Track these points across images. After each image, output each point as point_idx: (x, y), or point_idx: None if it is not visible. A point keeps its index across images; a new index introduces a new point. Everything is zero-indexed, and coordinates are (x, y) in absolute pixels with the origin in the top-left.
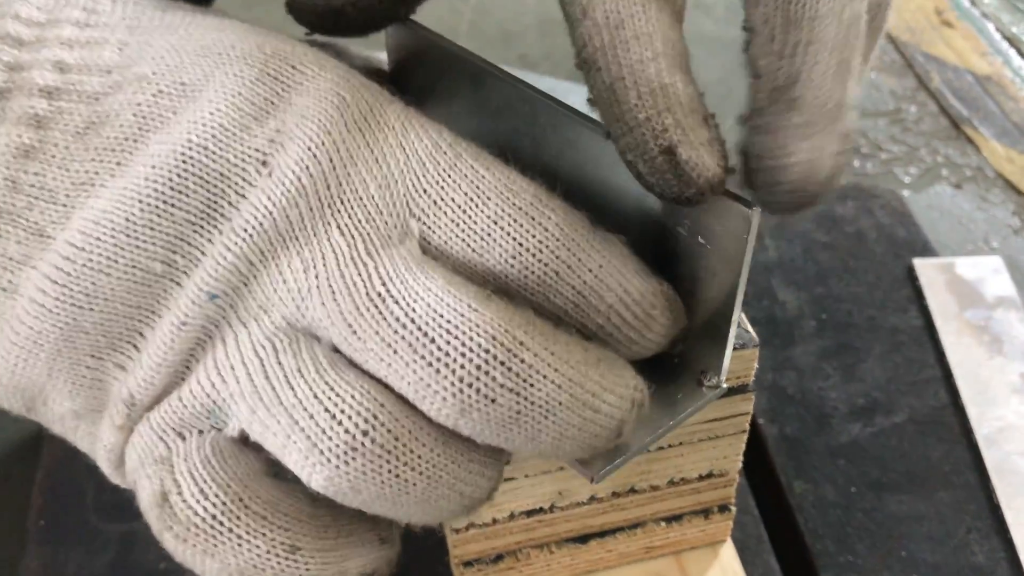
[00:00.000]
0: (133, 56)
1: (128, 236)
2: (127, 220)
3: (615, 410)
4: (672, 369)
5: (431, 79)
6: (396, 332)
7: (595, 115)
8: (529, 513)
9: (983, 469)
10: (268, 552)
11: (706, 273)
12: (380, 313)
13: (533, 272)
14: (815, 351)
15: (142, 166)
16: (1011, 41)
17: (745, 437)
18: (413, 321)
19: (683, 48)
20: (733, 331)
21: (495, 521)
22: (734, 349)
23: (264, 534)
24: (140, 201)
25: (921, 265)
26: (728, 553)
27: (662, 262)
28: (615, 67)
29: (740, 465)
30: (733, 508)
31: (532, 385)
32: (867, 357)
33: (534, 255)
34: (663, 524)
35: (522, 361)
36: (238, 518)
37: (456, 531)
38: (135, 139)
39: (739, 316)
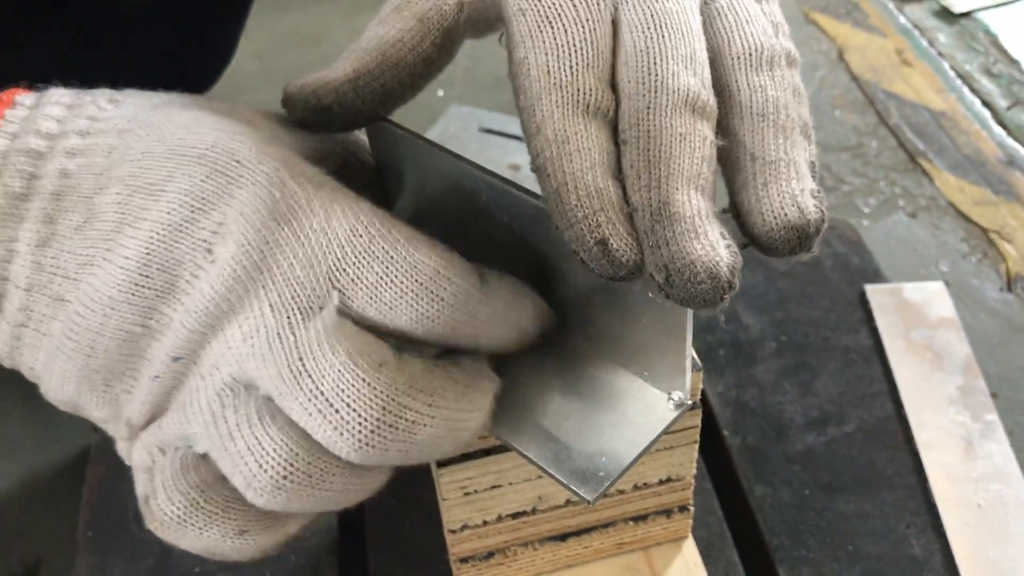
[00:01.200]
0: (117, 159)
1: (112, 308)
2: (110, 298)
3: (480, 419)
4: (646, 396)
5: (406, 165)
6: (310, 401)
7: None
8: (514, 516)
9: (922, 472)
10: (222, 536)
11: (661, 318)
12: (298, 384)
13: (433, 331)
14: (775, 369)
15: (120, 256)
16: (964, 78)
17: (696, 446)
18: (323, 393)
19: (616, 157)
20: (689, 359)
21: (485, 523)
22: None
23: (217, 525)
24: (118, 285)
25: (872, 290)
26: (689, 547)
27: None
28: (560, 174)
29: (694, 470)
30: (691, 508)
31: (415, 434)
32: (821, 374)
33: (432, 321)
34: (631, 523)
35: (406, 420)
36: (196, 516)
37: (453, 532)
38: (117, 230)
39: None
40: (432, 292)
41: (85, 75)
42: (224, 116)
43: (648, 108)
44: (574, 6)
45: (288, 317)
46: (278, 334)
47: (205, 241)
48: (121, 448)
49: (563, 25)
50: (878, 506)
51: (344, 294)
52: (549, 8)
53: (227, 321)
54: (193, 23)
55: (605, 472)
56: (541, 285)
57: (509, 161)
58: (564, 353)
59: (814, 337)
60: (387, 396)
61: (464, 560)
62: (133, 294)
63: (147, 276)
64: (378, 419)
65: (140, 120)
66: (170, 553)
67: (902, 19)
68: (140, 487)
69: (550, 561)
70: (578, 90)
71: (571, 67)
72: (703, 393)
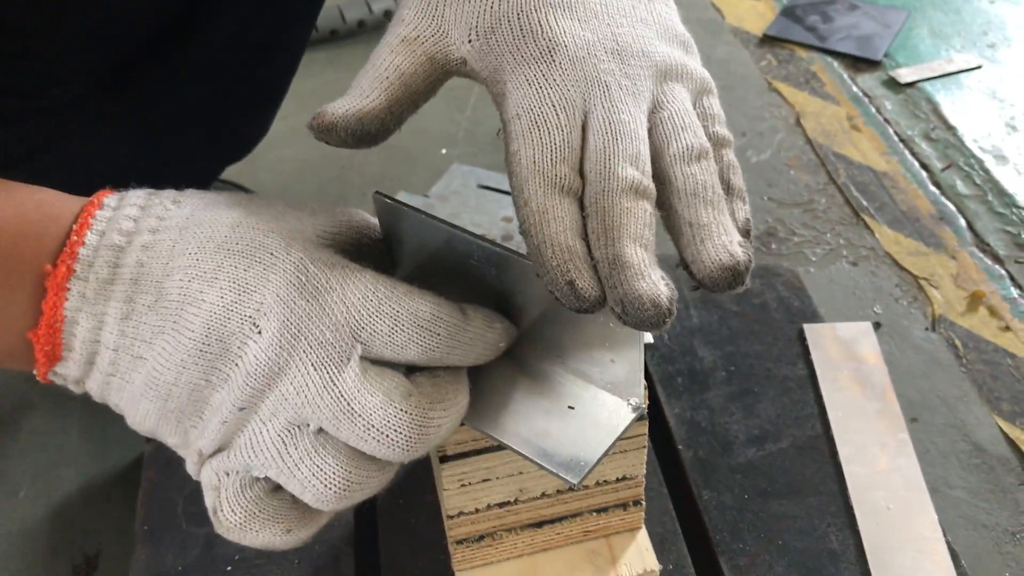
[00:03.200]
0: (178, 251)
1: (183, 368)
2: (181, 360)
3: (467, 399)
4: (609, 403)
5: (409, 234)
6: (366, 432)
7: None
8: (500, 505)
9: (843, 480)
10: (273, 535)
11: (620, 342)
12: (352, 423)
13: (433, 358)
14: (724, 395)
15: (187, 329)
16: (906, 143)
17: (645, 451)
18: (374, 426)
19: (583, 224)
20: (642, 372)
21: (477, 511)
22: None
23: (269, 528)
24: (187, 351)
25: (809, 329)
26: (643, 535)
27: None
28: (541, 235)
29: (644, 470)
30: (643, 503)
31: (441, 431)
32: (763, 399)
33: (432, 351)
34: (594, 514)
35: (435, 426)
36: (252, 523)
37: (451, 517)
38: (182, 309)
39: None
40: (430, 331)
41: (151, 144)
42: (260, 215)
43: (603, 191)
44: (556, 115)
45: (328, 372)
46: (324, 386)
47: (250, 318)
48: (190, 468)
49: (548, 129)
50: (804, 509)
51: (364, 344)
52: (539, 115)
53: (278, 379)
54: (241, 107)
55: (585, 462)
56: (519, 321)
57: (503, 214)
58: (547, 376)
59: (758, 368)
60: (419, 415)
61: (460, 542)
62: (199, 358)
63: (208, 344)
64: (418, 433)
65: (196, 219)
66: (214, 544)
67: (854, 88)
68: (209, 501)
69: (529, 545)
70: (555, 175)
71: (551, 160)
72: (662, 412)
